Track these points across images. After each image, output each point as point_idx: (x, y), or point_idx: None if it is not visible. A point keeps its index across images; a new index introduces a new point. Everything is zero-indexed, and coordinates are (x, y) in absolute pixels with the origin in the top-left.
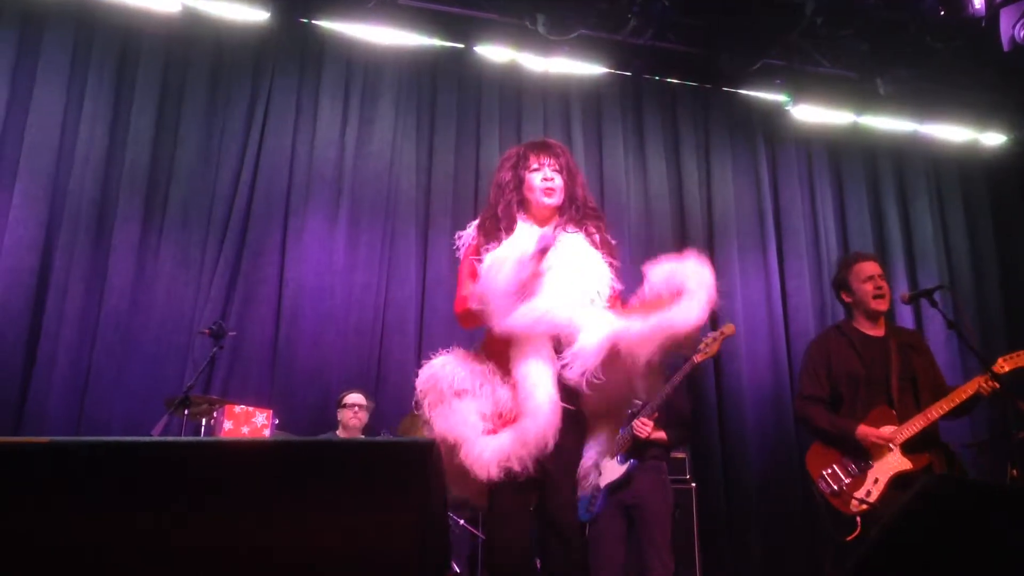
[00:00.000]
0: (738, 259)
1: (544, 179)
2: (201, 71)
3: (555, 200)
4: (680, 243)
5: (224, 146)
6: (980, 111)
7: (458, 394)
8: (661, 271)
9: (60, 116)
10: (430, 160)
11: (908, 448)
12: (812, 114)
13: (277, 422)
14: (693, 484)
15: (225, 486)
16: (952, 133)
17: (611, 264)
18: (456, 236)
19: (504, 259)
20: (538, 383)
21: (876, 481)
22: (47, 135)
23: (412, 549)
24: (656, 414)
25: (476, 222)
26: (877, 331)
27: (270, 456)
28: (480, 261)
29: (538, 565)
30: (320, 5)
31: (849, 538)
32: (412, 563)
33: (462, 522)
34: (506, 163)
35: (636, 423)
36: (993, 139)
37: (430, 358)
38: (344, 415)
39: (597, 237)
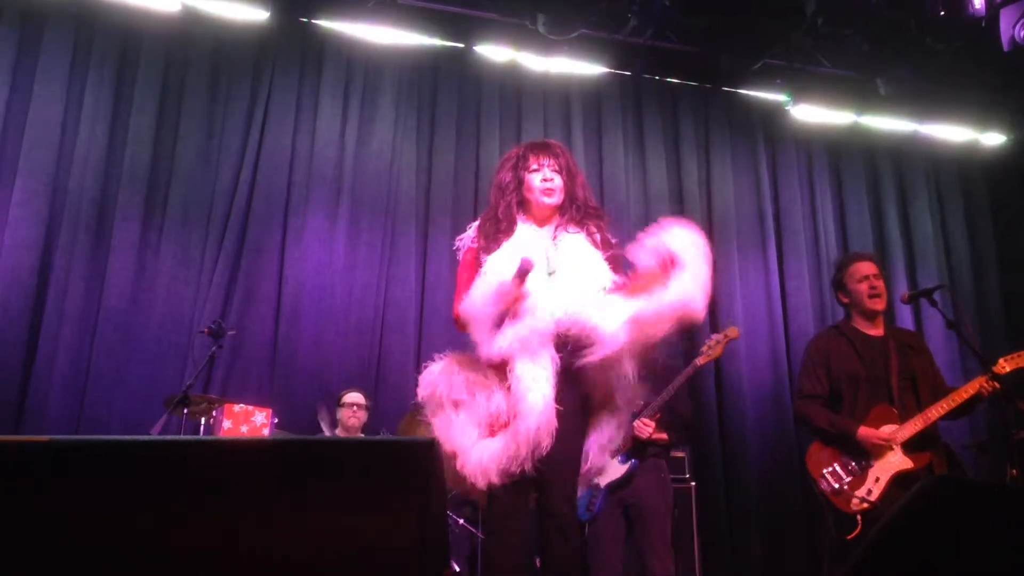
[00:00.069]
0: (738, 259)
1: (544, 179)
2: (201, 70)
3: (555, 200)
4: None
5: (224, 145)
6: (980, 111)
7: (455, 403)
8: (649, 245)
9: (60, 115)
10: (430, 159)
11: (909, 447)
12: (812, 114)
13: (276, 421)
14: (693, 483)
15: (225, 485)
16: (952, 133)
17: (615, 257)
18: (457, 239)
19: (485, 291)
20: (532, 386)
21: (877, 480)
22: (47, 134)
23: (412, 549)
24: (658, 415)
25: (476, 224)
26: (876, 331)
27: (270, 455)
28: (480, 264)
29: (538, 564)
30: (320, 5)
31: (850, 537)
32: (412, 563)
33: (462, 521)
34: (506, 164)
35: (637, 423)
36: (993, 139)
37: (430, 358)
38: (343, 414)
39: (598, 236)
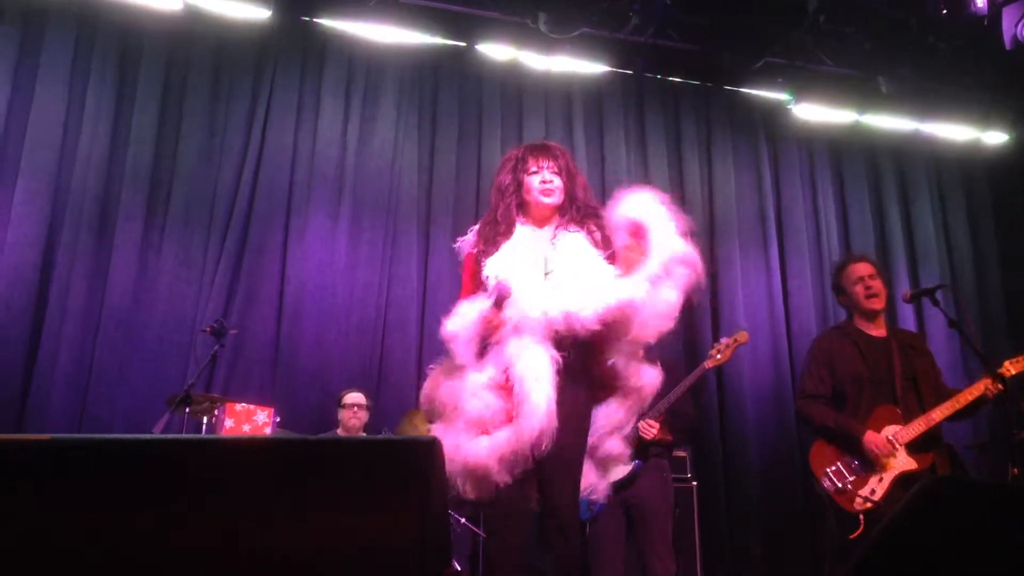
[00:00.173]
0: (739, 258)
1: (543, 182)
2: (203, 69)
3: (554, 200)
4: None
5: (226, 144)
6: (982, 110)
7: (456, 410)
8: (618, 220)
9: (62, 114)
10: (432, 158)
11: (913, 448)
12: (814, 112)
13: (278, 420)
14: (694, 483)
15: (226, 484)
16: (954, 132)
17: (615, 255)
18: (457, 240)
19: (465, 316)
20: (534, 387)
21: (881, 480)
22: (49, 133)
23: (412, 549)
24: (662, 416)
25: (476, 227)
26: (879, 331)
27: (271, 454)
28: (480, 268)
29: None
30: (322, 3)
31: (852, 536)
32: (412, 563)
33: (463, 520)
34: (505, 166)
35: (642, 424)
36: (995, 138)
37: (431, 358)
38: (343, 415)
39: (598, 235)
